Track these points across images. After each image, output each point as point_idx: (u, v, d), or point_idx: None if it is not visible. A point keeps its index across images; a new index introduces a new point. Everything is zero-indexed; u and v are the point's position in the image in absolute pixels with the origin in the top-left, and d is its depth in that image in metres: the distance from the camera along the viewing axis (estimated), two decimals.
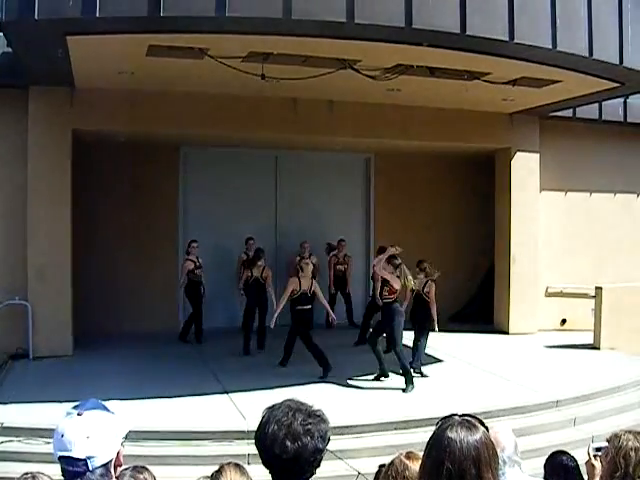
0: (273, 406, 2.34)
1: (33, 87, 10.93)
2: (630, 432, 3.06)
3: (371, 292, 12.87)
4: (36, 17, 7.14)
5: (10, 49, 9.37)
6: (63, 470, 2.23)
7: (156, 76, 10.33)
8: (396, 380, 10.03)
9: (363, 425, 8.13)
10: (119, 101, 11.04)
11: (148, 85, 10.98)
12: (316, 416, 2.29)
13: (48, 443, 6.85)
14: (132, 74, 10.08)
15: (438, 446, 2.15)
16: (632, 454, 2.94)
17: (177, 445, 7.63)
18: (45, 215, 11.07)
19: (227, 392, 9.18)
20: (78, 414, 2.23)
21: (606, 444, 3.11)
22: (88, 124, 11.20)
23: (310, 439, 2.22)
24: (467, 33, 8.05)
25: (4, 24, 7.66)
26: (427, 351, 11.89)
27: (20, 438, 7.54)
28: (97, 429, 2.21)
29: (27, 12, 7.13)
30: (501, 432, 3.37)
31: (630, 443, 2.97)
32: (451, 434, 2.15)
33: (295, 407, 2.29)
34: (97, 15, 7.14)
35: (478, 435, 2.16)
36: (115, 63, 9.53)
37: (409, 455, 3.13)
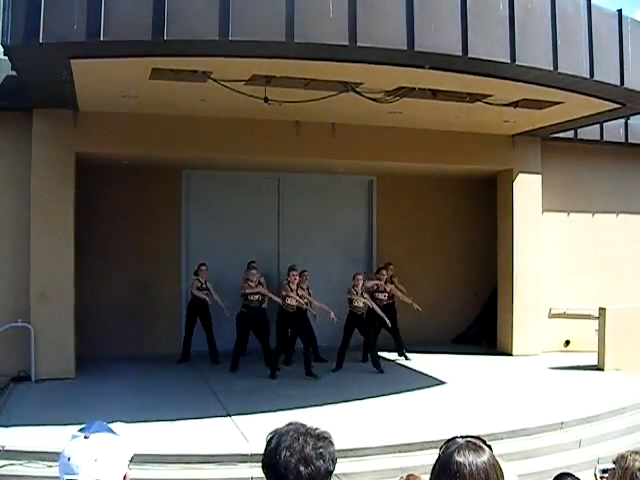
0: (278, 430, 2.28)
1: (37, 110, 10.98)
2: (637, 453, 3.03)
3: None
4: (41, 41, 7.20)
5: (15, 72, 9.43)
6: None
7: (159, 99, 10.40)
8: (399, 403, 10.02)
9: (367, 448, 8.05)
10: (122, 124, 11.11)
11: (151, 108, 11.05)
12: (325, 439, 2.25)
13: (50, 466, 6.83)
14: (136, 98, 10.14)
15: (447, 471, 2.10)
16: (639, 475, 2.91)
17: (180, 469, 7.57)
18: (48, 237, 11.07)
19: (230, 415, 9.13)
20: (85, 437, 2.21)
21: (612, 465, 3.08)
22: (91, 147, 11.25)
23: (322, 462, 2.18)
24: (469, 55, 8.11)
25: (9, 48, 7.72)
26: (430, 373, 11.90)
27: (22, 461, 7.47)
28: (104, 452, 2.19)
29: (32, 36, 7.18)
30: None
31: (637, 464, 2.94)
32: (459, 458, 2.10)
33: (303, 431, 2.24)
34: (101, 39, 7.21)
35: (485, 457, 2.13)
36: (119, 86, 9.61)
37: (409, 478, 3.11)
